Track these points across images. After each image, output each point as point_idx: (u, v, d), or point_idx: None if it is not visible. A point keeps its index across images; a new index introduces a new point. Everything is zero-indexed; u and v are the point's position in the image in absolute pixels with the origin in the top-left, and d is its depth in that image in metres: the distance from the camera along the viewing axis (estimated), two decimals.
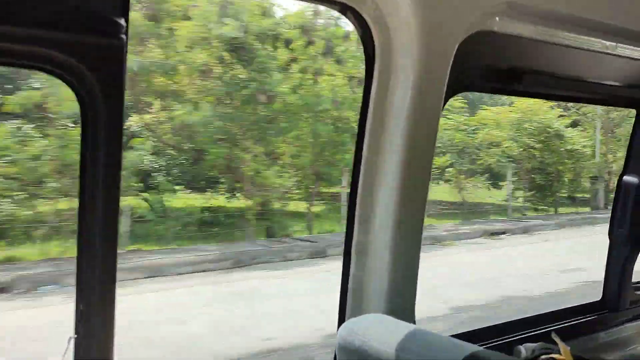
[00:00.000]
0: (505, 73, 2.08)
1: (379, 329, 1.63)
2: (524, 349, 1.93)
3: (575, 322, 2.62)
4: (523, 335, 2.35)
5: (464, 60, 1.92)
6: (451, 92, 1.96)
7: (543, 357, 1.83)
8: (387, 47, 1.85)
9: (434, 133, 1.94)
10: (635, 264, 2.80)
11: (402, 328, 1.60)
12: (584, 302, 2.79)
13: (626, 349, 2.73)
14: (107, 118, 1.43)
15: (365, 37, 1.86)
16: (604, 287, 2.83)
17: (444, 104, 1.96)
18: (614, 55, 2.28)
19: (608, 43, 2.21)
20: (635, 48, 2.33)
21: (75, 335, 1.49)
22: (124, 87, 1.46)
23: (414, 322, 2.01)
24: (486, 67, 2.06)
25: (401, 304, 1.98)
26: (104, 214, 1.48)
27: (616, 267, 2.76)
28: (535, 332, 2.40)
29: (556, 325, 2.49)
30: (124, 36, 1.40)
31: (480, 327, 2.31)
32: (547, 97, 2.70)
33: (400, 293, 1.98)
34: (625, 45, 2.28)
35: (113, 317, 1.53)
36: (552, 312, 2.63)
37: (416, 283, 2.02)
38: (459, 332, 2.21)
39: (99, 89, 1.41)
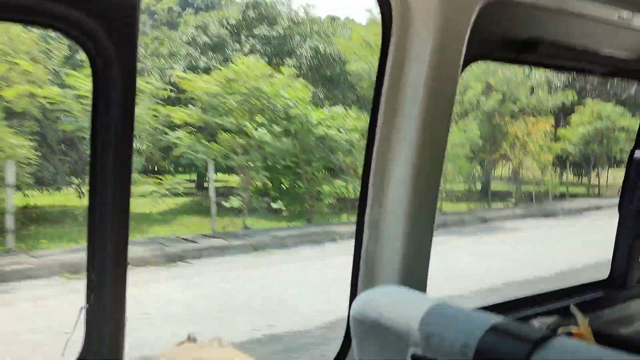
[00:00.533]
0: (521, 43, 2.03)
1: (395, 300, 1.58)
2: (538, 323, 1.93)
3: (583, 299, 2.62)
4: (532, 312, 2.32)
5: (482, 28, 1.88)
6: (468, 61, 1.93)
7: (561, 329, 1.83)
8: (406, 11, 1.80)
9: (450, 103, 1.90)
10: None
11: (420, 299, 1.56)
12: (592, 280, 2.80)
13: (632, 326, 2.74)
14: (121, 82, 1.38)
15: (382, 1, 1.80)
16: (611, 263, 2.83)
17: (461, 73, 1.91)
18: (631, 28, 2.25)
19: (625, 14, 2.17)
20: None
21: (87, 305, 1.48)
22: (137, 49, 1.40)
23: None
24: (503, 36, 2.02)
25: (414, 276, 1.95)
26: (115, 183, 1.44)
27: (624, 244, 2.76)
28: (544, 309, 2.39)
29: (563, 303, 2.46)
30: None
31: (491, 303, 2.30)
32: (562, 68, 2.70)
33: (413, 266, 1.95)
34: None
35: (125, 288, 1.50)
36: (560, 289, 2.63)
37: (429, 256, 1.99)
38: (472, 307, 2.19)
39: (113, 51, 1.35)
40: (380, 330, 1.51)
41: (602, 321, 2.67)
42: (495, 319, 1.35)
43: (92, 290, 1.48)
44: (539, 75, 18.77)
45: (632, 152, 2.68)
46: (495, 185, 20.12)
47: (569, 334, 1.78)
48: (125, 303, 1.52)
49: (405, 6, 1.79)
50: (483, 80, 17.68)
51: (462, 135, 16.39)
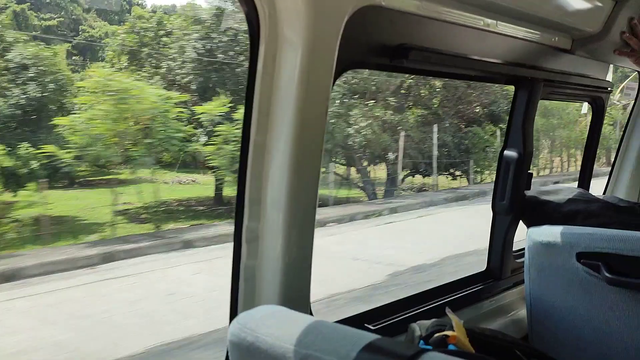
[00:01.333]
0: (392, 49, 2.04)
1: (273, 321, 1.52)
2: (418, 327, 1.95)
3: (463, 293, 2.73)
4: (416, 312, 2.39)
5: (354, 35, 1.87)
6: (341, 69, 1.90)
7: (437, 335, 1.85)
8: (273, 17, 1.75)
9: (324, 110, 1.87)
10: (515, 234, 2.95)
11: (298, 319, 1.51)
12: (472, 273, 2.92)
13: (508, 315, 2.90)
14: None
15: (249, 7, 1.74)
16: (488, 257, 2.97)
17: (334, 82, 1.89)
18: (496, 33, 2.35)
19: (490, 21, 2.27)
20: (514, 26, 2.42)
21: None
22: None
23: (311, 313, 1.95)
24: (375, 43, 2.02)
25: (296, 293, 1.90)
26: None
27: (499, 238, 2.91)
28: (427, 307, 2.46)
29: (446, 298, 2.57)
30: None
31: (372, 307, 2.30)
32: (433, 73, 2.77)
33: (294, 282, 1.90)
34: (505, 23, 2.35)
35: None
36: (442, 285, 2.72)
37: (310, 270, 1.94)
38: (352, 314, 2.19)
39: None
40: (257, 354, 1.43)
41: (481, 312, 2.80)
42: (370, 337, 1.33)
43: None
44: None
45: (502, 151, 2.82)
46: None
47: (445, 337, 1.81)
48: None
49: (273, 11, 1.74)
50: None
51: None
